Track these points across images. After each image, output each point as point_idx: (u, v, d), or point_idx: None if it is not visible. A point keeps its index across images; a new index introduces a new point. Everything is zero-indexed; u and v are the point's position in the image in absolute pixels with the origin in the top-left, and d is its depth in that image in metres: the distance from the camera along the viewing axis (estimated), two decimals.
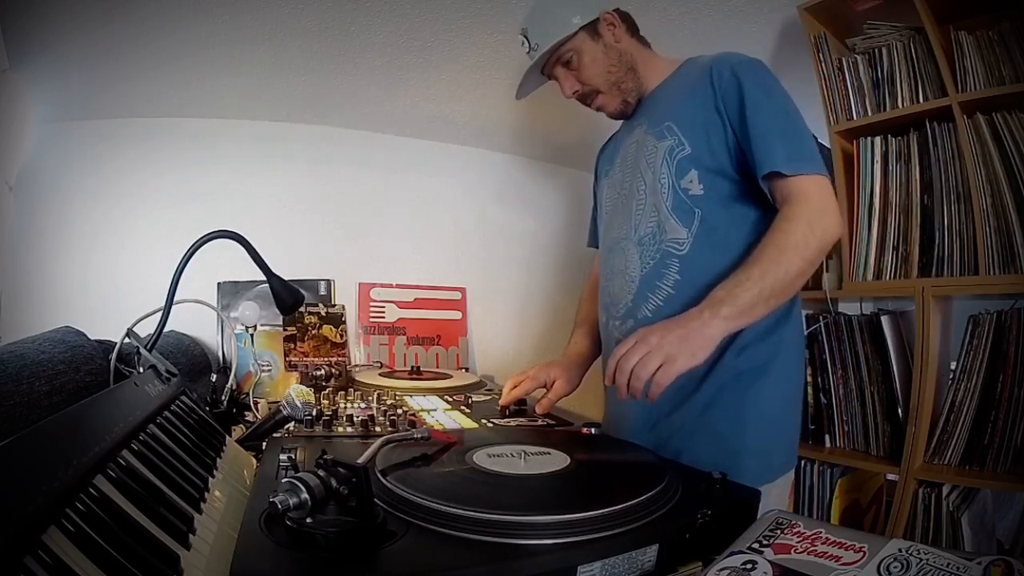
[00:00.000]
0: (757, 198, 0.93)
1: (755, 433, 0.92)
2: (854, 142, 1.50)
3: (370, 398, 1.05)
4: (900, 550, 0.43)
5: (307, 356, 1.48)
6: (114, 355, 0.86)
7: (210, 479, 0.59)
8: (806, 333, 1.56)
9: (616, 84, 1.06)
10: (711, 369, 0.93)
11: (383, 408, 0.97)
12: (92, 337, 0.93)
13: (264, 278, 1.02)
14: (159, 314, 0.89)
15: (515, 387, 1.06)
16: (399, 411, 0.94)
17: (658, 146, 0.99)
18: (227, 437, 0.78)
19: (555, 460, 0.64)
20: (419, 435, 0.70)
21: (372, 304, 1.86)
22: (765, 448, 0.93)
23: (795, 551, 0.45)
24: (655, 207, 0.99)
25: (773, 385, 0.95)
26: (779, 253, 0.83)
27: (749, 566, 0.44)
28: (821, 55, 1.52)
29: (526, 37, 1.06)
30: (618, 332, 1.03)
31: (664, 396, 0.83)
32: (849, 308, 1.56)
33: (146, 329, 0.88)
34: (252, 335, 1.43)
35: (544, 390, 1.08)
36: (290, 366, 1.44)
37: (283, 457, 0.56)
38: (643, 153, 1.02)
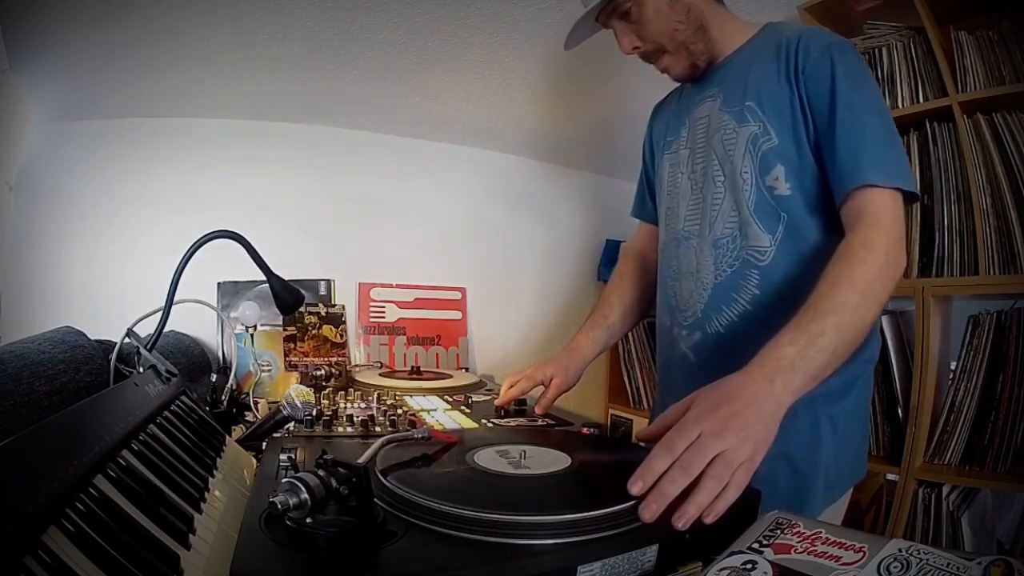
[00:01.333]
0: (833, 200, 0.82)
1: (828, 457, 0.85)
2: None
3: (370, 398, 1.05)
4: (900, 550, 0.43)
5: (307, 356, 1.48)
6: (114, 355, 0.85)
7: (210, 479, 0.59)
8: None
9: (684, 44, 0.90)
10: None
11: (383, 408, 0.97)
12: (92, 337, 0.93)
13: (264, 278, 1.02)
14: (159, 314, 0.89)
15: (512, 386, 1.03)
16: (399, 411, 0.94)
17: (738, 131, 0.86)
18: (227, 437, 0.78)
19: (555, 460, 0.64)
20: (419, 435, 0.70)
21: (372, 304, 1.86)
22: (836, 470, 0.86)
23: (795, 551, 0.45)
24: (735, 205, 0.87)
25: (849, 407, 0.86)
26: (856, 295, 0.68)
27: (749, 566, 0.44)
28: None
29: None
30: (684, 343, 0.95)
31: None
32: None
33: (146, 329, 0.88)
34: (252, 335, 1.43)
35: (543, 388, 1.04)
36: (290, 366, 1.44)
37: (283, 457, 0.56)
38: (718, 135, 0.89)
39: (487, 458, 0.63)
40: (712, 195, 0.90)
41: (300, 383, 1.21)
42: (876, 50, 1.44)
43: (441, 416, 0.96)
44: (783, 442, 0.80)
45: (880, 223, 0.74)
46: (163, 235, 1.53)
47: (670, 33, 0.89)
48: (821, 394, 0.78)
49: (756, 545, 0.47)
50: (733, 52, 0.92)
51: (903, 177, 0.77)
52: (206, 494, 0.54)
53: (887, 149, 0.78)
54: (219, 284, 1.65)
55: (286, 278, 1.05)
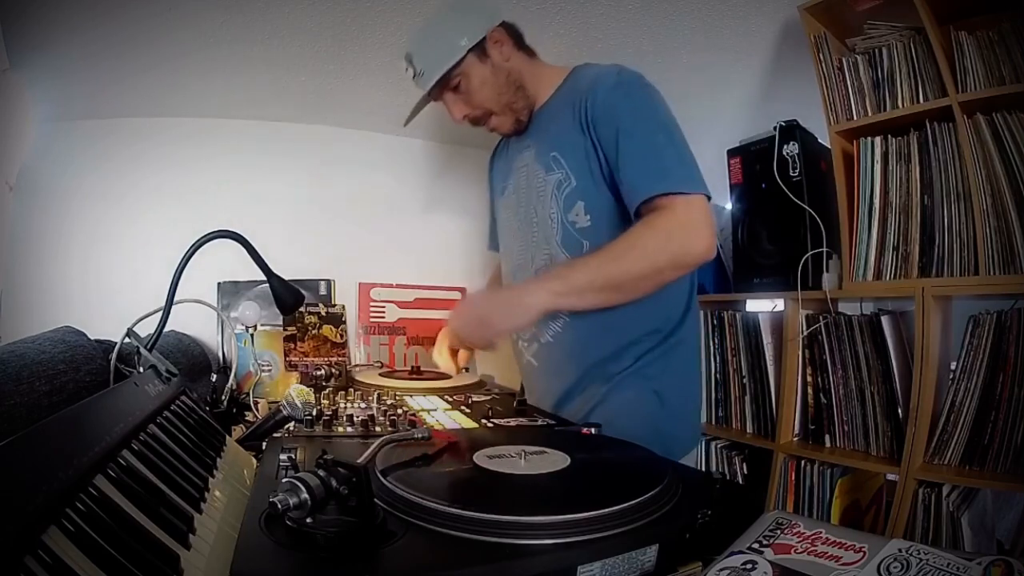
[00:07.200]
0: None
1: (660, 425, 0.99)
2: (854, 142, 1.50)
3: (370, 398, 1.05)
4: (900, 550, 0.43)
5: (307, 356, 1.48)
6: (114, 355, 0.86)
7: (210, 479, 0.59)
8: (806, 333, 1.56)
9: (508, 105, 1.05)
10: (609, 370, 1.02)
11: (383, 408, 0.97)
12: (92, 337, 0.93)
13: (264, 278, 1.02)
14: (159, 314, 0.89)
15: (452, 356, 1.19)
16: (399, 411, 0.94)
17: (547, 179, 1.02)
18: (227, 437, 0.78)
19: (555, 460, 0.64)
20: (419, 435, 0.70)
21: (372, 304, 1.86)
22: (670, 438, 0.99)
23: (795, 551, 0.45)
24: (547, 240, 1.04)
25: (673, 382, 1.03)
26: (623, 251, 0.87)
27: (749, 566, 0.44)
28: (821, 55, 1.52)
29: (410, 62, 1.03)
30: (527, 353, 1.14)
31: (573, 379, 1.02)
32: (849, 308, 1.56)
33: (146, 329, 0.88)
34: (252, 335, 1.43)
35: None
36: (290, 366, 1.44)
37: (283, 457, 0.56)
38: (534, 184, 1.06)
39: (487, 458, 0.63)
40: (531, 233, 1.08)
41: (300, 383, 1.21)
42: (876, 50, 1.44)
43: (441, 416, 0.96)
44: (608, 407, 1.02)
45: (666, 212, 0.88)
46: (163, 235, 1.53)
47: (495, 98, 1.04)
48: (643, 371, 1.02)
49: (756, 545, 0.47)
50: (545, 102, 1.06)
51: (686, 183, 0.89)
52: (206, 494, 0.54)
53: (660, 163, 0.90)
54: (219, 284, 1.65)
55: (286, 278, 1.05)
